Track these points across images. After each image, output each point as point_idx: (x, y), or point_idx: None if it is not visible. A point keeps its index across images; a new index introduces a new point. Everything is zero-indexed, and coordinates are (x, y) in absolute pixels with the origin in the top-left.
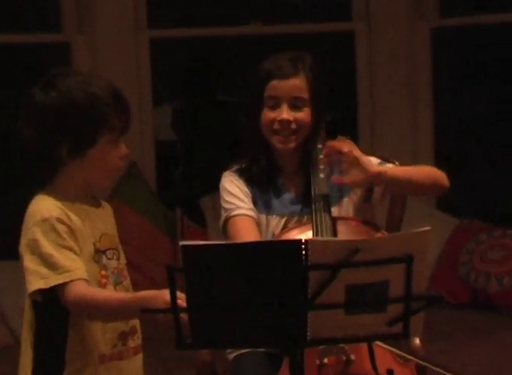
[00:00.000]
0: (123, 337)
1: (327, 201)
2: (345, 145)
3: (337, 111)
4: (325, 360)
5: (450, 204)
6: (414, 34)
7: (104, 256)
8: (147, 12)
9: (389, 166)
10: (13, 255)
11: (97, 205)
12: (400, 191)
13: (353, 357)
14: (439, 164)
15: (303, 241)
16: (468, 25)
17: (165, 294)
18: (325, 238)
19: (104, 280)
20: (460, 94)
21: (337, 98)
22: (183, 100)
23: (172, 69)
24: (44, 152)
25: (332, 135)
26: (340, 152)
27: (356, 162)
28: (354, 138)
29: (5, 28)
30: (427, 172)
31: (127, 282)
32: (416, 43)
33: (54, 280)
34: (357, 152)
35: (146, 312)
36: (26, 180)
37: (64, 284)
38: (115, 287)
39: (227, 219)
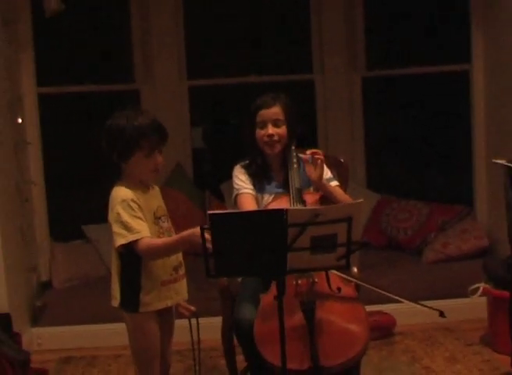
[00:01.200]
0: (175, 269)
1: (299, 185)
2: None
3: (305, 128)
4: (299, 281)
5: (375, 185)
6: (352, 82)
7: (160, 220)
8: (187, 66)
9: (332, 183)
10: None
11: (149, 189)
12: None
13: (316, 279)
14: (368, 164)
15: (284, 210)
16: (390, 75)
17: (197, 231)
18: (297, 207)
19: (161, 235)
20: (380, 121)
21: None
22: (209, 123)
23: (202, 105)
24: (108, 157)
25: (301, 143)
26: (321, 156)
27: (321, 165)
28: (315, 144)
29: (90, 80)
30: (344, 197)
31: (174, 235)
32: (353, 87)
33: (130, 237)
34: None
35: (189, 251)
36: (107, 178)
37: (136, 240)
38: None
39: (236, 195)
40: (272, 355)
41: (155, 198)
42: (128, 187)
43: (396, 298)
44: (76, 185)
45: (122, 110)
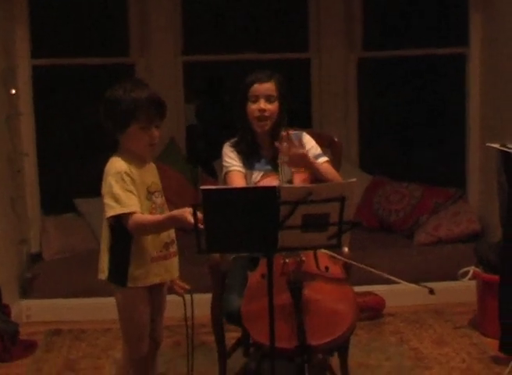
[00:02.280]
0: (166, 245)
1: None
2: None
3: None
4: (287, 260)
5: (368, 166)
6: (348, 62)
7: (153, 196)
8: (182, 42)
9: (321, 159)
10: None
11: (146, 164)
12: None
13: (304, 258)
14: (361, 145)
15: (277, 187)
16: (386, 56)
17: (187, 211)
18: (290, 185)
19: (153, 211)
20: (375, 102)
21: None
22: (204, 100)
23: (196, 81)
24: (104, 127)
25: (295, 122)
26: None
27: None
28: (309, 123)
29: (84, 53)
30: (333, 175)
31: (167, 210)
32: (349, 67)
33: (119, 210)
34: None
35: (178, 226)
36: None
37: (126, 214)
38: (160, 214)
39: (226, 173)
40: (259, 334)
41: (150, 174)
42: (124, 159)
43: (385, 276)
44: (68, 158)
45: (122, 82)
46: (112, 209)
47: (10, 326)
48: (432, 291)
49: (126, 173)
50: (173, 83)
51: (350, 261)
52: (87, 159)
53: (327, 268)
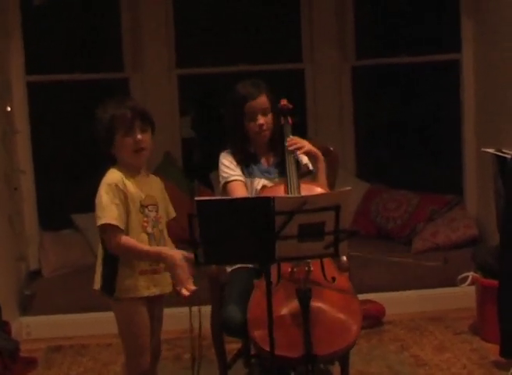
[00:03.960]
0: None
1: (296, 173)
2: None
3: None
4: (295, 269)
5: (365, 174)
6: (342, 71)
7: (146, 209)
8: (176, 56)
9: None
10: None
11: (146, 176)
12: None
13: (312, 268)
14: (357, 154)
15: (271, 197)
16: (379, 64)
17: (179, 255)
18: (284, 195)
19: (145, 224)
20: (370, 110)
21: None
22: (198, 112)
23: (191, 94)
24: (98, 144)
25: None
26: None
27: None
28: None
29: (78, 69)
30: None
31: (162, 225)
32: (343, 76)
33: (103, 220)
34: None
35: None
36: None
37: (109, 229)
38: (152, 228)
39: (226, 183)
40: (263, 341)
41: (147, 186)
42: (120, 170)
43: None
44: (65, 174)
45: (105, 100)
46: (98, 220)
47: (10, 344)
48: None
49: (116, 185)
50: (168, 96)
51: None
52: (84, 175)
53: (334, 279)
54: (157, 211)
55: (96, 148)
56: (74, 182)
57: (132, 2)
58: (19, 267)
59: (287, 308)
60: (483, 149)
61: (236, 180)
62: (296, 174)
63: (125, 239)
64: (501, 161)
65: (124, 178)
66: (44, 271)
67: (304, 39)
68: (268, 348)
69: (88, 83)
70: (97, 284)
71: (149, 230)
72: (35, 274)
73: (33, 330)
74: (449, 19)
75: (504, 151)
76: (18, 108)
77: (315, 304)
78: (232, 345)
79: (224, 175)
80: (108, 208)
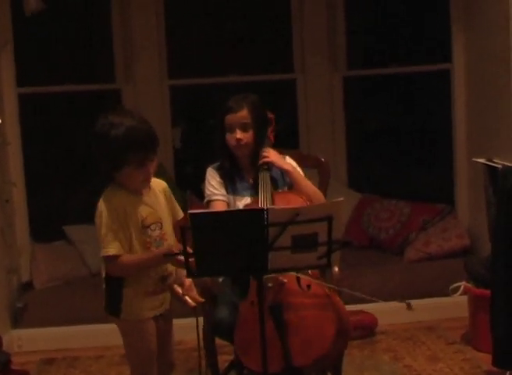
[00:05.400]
0: (163, 279)
1: (269, 186)
2: (271, 155)
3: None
4: (270, 285)
5: (356, 184)
6: (333, 81)
7: (148, 229)
8: (168, 66)
9: (299, 169)
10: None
11: (142, 194)
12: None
13: (285, 280)
14: (349, 164)
15: (264, 209)
16: (370, 74)
17: (173, 246)
18: (278, 207)
19: (148, 245)
20: (361, 120)
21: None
22: (191, 123)
23: (183, 105)
24: (97, 165)
25: (282, 143)
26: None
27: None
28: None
29: (70, 80)
30: (314, 191)
31: (168, 243)
32: (334, 87)
33: (103, 252)
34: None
35: (168, 257)
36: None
37: (110, 257)
38: (156, 248)
39: (208, 201)
40: (251, 362)
41: (148, 204)
42: (118, 192)
43: (361, 296)
44: (56, 186)
45: (106, 114)
46: (100, 250)
47: (2, 357)
48: (409, 306)
49: (115, 209)
50: (160, 107)
51: (330, 285)
52: (76, 186)
53: (309, 286)
54: (161, 228)
55: (89, 159)
56: (66, 194)
57: (123, 13)
58: (11, 279)
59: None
60: (474, 159)
61: (217, 200)
62: (269, 187)
63: (125, 259)
64: (492, 171)
65: (123, 199)
66: (36, 283)
67: (295, 49)
68: (254, 368)
69: (80, 94)
70: (103, 304)
71: (152, 248)
72: (27, 286)
73: (25, 342)
74: (439, 30)
75: (495, 160)
76: (9, 120)
77: (289, 316)
78: (225, 357)
79: (207, 192)
80: (106, 238)
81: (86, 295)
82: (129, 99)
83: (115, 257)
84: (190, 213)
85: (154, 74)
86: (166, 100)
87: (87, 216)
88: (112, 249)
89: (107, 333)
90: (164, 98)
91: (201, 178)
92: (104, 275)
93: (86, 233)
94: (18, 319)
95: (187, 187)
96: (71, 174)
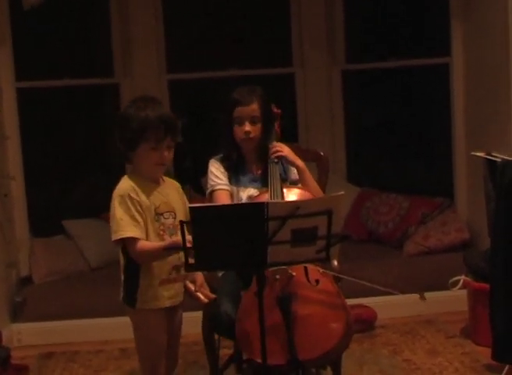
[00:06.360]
0: (176, 267)
1: (280, 179)
2: (284, 150)
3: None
4: (277, 276)
5: (355, 178)
6: (331, 75)
7: (161, 217)
8: (166, 61)
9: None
10: (95, 214)
11: (162, 182)
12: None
13: (294, 273)
14: (348, 158)
15: (265, 203)
16: (369, 68)
17: (178, 239)
18: (277, 200)
19: (161, 232)
20: (360, 114)
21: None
22: (190, 117)
23: (182, 99)
24: (118, 148)
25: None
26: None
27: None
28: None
29: (68, 74)
30: (314, 186)
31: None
32: (333, 80)
33: (118, 235)
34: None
35: (170, 251)
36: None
37: (127, 240)
38: (170, 236)
39: (212, 191)
40: (252, 352)
41: (162, 192)
42: (133, 179)
43: (376, 286)
44: (55, 180)
45: (135, 99)
46: (113, 234)
47: (1, 351)
48: (422, 296)
49: (129, 195)
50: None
51: (340, 275)
52: (75, 181)
53: (317, 281)
54: (174, 217)
55: (88, 151)
56: (65, 188)
57: (122, 7)
58: (10, 274)
59: (271, 316)
60: (473, 153)
61: (221, 189)
62: (280, 180)
63: (140, 245)
64: (491, 164)
65: (137, 187)
66: (35, 277)
67: (294, 43)
68: (256, 358)
69: (78, 88)
70: (120, 295)
71: (166, 238)
72: (26, 280)
73: (25, 336)
74: (438, 23)
75: (494, 154)
76: (8, 114)
77: (297, 309)
78: (224, 351)
79: (211, 183)
80: (122, 222)
81: (85, 290)
82: (128, 93)
83: (134, 240)
84: (191, 207)
85: (152, 68)
86: (165, 94)
87: (86, 210)
88: (132, 231)
89: (106, 328)
90: (162, 92)
91: (200, 173)
92: (123, 262)
93: (85, 228)
94: (17, 313)
95: (186, 181)
96: (70, 168)
